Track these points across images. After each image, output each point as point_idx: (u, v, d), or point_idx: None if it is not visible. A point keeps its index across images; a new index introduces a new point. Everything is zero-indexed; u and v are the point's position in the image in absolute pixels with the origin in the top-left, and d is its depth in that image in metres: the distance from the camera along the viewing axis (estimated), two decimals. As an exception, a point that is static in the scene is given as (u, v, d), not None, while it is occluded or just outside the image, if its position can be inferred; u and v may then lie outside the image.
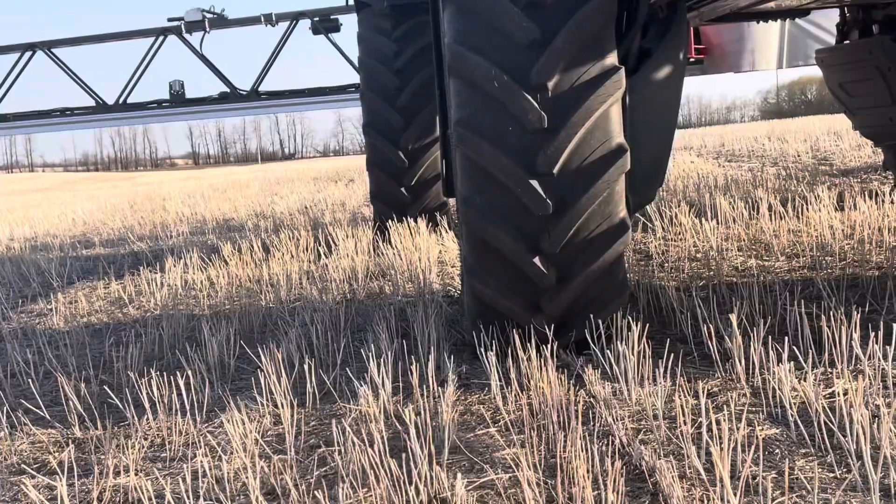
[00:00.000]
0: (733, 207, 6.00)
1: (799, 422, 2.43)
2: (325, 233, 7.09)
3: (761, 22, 5.97)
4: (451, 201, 7.38)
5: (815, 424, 2.41)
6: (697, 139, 18.99)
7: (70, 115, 10.58)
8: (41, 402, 3.18)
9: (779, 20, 6.17)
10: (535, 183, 3.07)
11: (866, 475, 2.07)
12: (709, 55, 9.02)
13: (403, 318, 4.17)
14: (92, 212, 14.15)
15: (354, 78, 9.52)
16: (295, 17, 9.65)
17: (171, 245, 8.28)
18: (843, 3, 5.95)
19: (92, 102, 10.35)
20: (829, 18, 7.98)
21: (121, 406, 3.07)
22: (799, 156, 12.04)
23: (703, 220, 5.49)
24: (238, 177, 27.22)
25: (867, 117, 6.79)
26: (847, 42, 6.51)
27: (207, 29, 9.85)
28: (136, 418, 2.95)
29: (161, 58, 10.19)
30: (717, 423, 2.40)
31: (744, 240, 5.36)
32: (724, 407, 2.66)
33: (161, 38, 9.95)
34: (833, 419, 2.40)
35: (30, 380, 3.56)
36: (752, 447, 2.25)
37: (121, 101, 10.19)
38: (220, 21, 9.90)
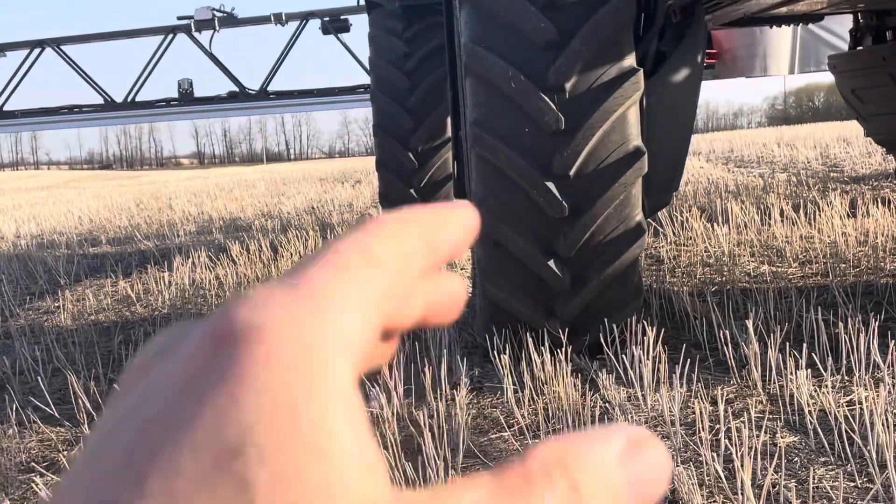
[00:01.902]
0: (745, 213, 5.97)
1: (819, 429, 2.40)
2: (333, 233, 7.07)
3: (774, 27, 5.94)
4: (461, 203, 7.34)
5: (835, 432, 2.38)
6: (706, 144, 18.95)
7: (78, 113, 10.57)
8: (50, 400, 3.16)
9: (791, 25, 6.14)
10: (550, 185, 3.04)
11: (889, 485, 2.04)
12: (720, 60, 8.98)
13: (414, 320, 4.14)
14: (98, 210, 14.15)
15: (364, 79, 9.51)
16: (305, 17, 9.64)
17: (179, 244, 8.27)
18: (856, 9, 5.93)
19: (100, 100, 10.34)
20: (841, 24, 7.95)
21: (130, 405, 3.05)
22: (809, 162, 11.99)
23: (714, 225, 5.46)
24: (244, 177, 27.21)
25: (880, 124, 6.75)
26: (860, 48, 6.48)
27: (217, 28, 9.84)
28: (145, 417, 2.92)
29: (170, 56, 10.19)
30: (738, 430, 2.37)
31: (756, 245, 5.32)
32: (742, 414, 2.62)
33: (170, 36, 9.94)
34: (853, 427, 2.36)
35: (38, 377, 3.54)
36: (772, 455, 2.22)
37: (129, 99, 10.18)
38: (230, 20, 9.89)
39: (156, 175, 48.54)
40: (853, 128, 16.79)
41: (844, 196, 6.95)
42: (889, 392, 2.60)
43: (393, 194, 6.87)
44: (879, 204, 5.56)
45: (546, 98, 3.01)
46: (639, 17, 3.32)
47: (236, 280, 5.39)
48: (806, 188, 8.49)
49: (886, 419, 2.23)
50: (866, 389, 2.70)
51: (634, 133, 3.11)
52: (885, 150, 7.69)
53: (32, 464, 2.68)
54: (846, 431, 2.33)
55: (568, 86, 3.02)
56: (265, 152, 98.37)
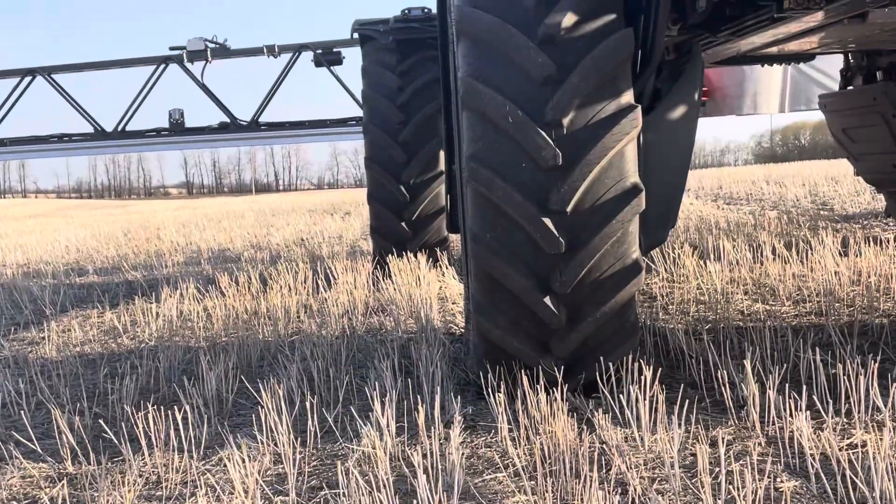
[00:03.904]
0: (736, 250, 5.95)
1: (821, 473, 2.35)
2: (323, 266, 7.02)
3: (765, 66, 5.97)
4: (452, 237, 7.32)
5: (837, 477, 2.33)
6: (695, 181, 19.05)
7: (68, 142, 10.50)
8: (33, 435, 3.08)
9: (782, 64, 6.17)
10: (547, 221, 3.01)
11: (895, 533, 1.99)
12: (710, 98, 9.01)
13: (405, 355, 4.09)
14: (85, 239, 14.05)
15: (356, 111, 9.51)
16: (298, 49, 9.64)
17: (166, 274, 8.19)
18: (847, 49, 5.96)
19: (91, 129, 10.28)
20: (832, 64, 8.00)
21: (115, 441, 2.97)
22: (798, 200, 12.04)
23: (706, 262, 5.44)
24: (233, 207, 27.17)
25: (870, 163, 6.78)
26: (851, 88, 6.52)
27: (209, 59, 9.83)
28: (131, 454, 2.84)
29: (161, 86, 10.16)
30: (739, 473, 2.32)
31: (749, 283, 5.30)
32: (742, 456, 2.57)
33: (162, 66, 9.92)
34: (857, 471, 2.32)
35: (21, 411, 3.46)
36: (776, 500, 2.17)
37: (120, 128, 10.13)
38: (223, 51, 9.88)
39: (144, 204, 48.43)
40: (841, 166, 16.93)
41: (836, 234, 6.96)
42: (892, 437, 2.56)
43: (384, 227, 6.85)
44: (871, 243, 5.56)
45: (543, 133, 2.99)
46: (636, 53, 3.31)
47: (225, 312, 5.32)
48: (797, 226, 8.51)
49: (890, 465, 2.18)
50: (867, 432, 2.66)
51: (632, 170, 3.08)
52: (874, 188, 7.72)
53: (13, 502, 2.59)
54: (850, 476, 2.28)
55: (566, 121, 3.00)
56: (254, 183, 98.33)
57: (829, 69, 8.52)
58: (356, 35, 7.32)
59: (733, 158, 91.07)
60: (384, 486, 2.31)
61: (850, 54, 6.37)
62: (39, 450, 3.00)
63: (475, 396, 3.38)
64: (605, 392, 3.04)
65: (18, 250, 12.14)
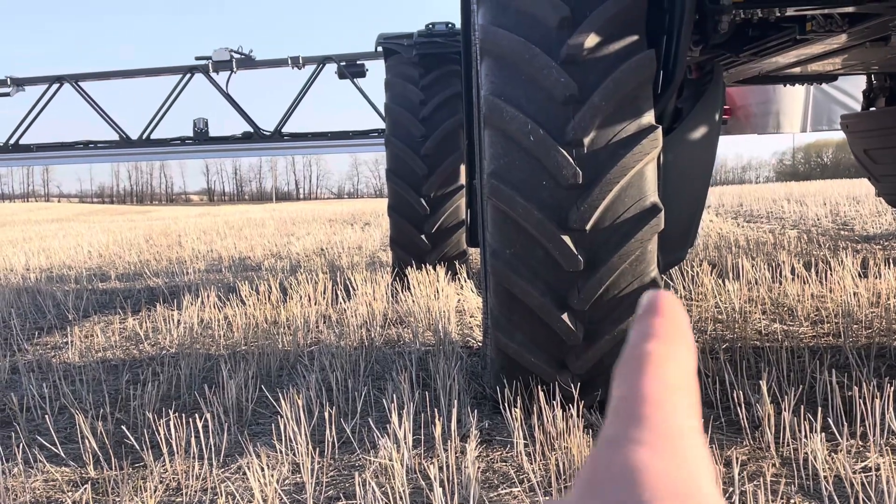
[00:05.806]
0: (755, 269, 5.95)
1: (834, 495, 2.36)
2: (343, 276, 7.07)
3: (787, 85, 5.98)
4: (471, 250, 7.36)
5: (851, 500, 2.34)
6: (715, 199, 18.98)
7: (93, 148, 10.64)
8: (56, 439, 3.13)
9: (805, 84, 6.19)
10: (566, 238, 3.04)
11: (908, 557, 2.00)
12: (733, 116, 9.03)
13: (423, 368, 4.12)
14: (108, 245, 14.19)
15: (378, 123, 9.58)
16: (322, 61, 9.74)
17: (188, 281, 8.27)
18: (870, 71, 5.97)
19: (116, 136, 10.41)
20: (855, 85, 8.01)
21: (137, 447, 3.02)
22: (819, 220, 11.99)
23: (725, 280, 5.44)
24: (253, 215, 27.30)
25: (892, 184, 6.77)
26: (873, 109, 6.52)
27: (234, 69, 9.94)
28: (152, 460, 2.89)
29: (187, 95, 10.28)
30: (753, 493, 2.34)
31: (767, 303, 5.30)
32: (756, 477, 2.59)
33: (188, 75, 10.04)
34: (870, 495, 2.33)
35: (45, 415, 3.52)
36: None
37: (145, 136, 10.26)
38: (248, 62, 9.99)
39: (165, 211, 48.78)
40: (863, 186, 16.83)
41: (855, 255, 6.93)
42: (906, 460, 2.57)
43: (404, 239, 6.89)
44: (892, 265, 5.54)
45: (564, 152, 3.02)
46: (658, 74, 3.34)
47: (245, 321, 5.38)
48: (817, 246, 8.48)
49: (904, 488, 2.19)
50: (882, 455, 2.67)
51: (651, 189, 3.11)
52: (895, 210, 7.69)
53: (37, 504, 2.65)
54: (863, 499, 2.30)
55: (586, 140, 3.03)
56: (275, 191, 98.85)
57: (851, 89, 8.53)
58: (380, 48, 7.39)
59: (754, 175, 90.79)
60: (401, 497, 2.35)
61: (872, 75, 6.38)
62: (62, 454, 3.06)
63: (491, 411, 3.41)
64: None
65: (42, 254, 12.27)
